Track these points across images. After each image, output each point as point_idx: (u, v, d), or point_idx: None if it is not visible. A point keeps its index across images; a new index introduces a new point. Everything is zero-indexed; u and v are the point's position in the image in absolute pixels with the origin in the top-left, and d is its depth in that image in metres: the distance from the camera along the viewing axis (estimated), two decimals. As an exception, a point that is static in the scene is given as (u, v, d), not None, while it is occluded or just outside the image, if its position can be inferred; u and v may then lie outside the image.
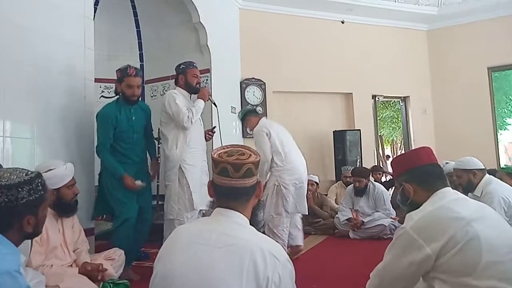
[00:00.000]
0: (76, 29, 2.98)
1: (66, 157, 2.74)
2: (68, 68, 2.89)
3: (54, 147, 2.74)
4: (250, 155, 1.28)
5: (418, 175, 1.50)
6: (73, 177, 2.31)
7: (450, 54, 7.03)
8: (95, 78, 3.24)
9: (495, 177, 3.08)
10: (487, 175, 2.85)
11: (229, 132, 5.33)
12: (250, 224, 1.26)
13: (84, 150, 3.00)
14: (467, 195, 2.81)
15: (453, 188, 1.51)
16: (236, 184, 1.23)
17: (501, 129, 10.98)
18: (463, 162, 2.92)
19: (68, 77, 2.88)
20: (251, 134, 5.71)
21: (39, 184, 1.29)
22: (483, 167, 2.88)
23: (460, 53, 6.93)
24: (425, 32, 7.26)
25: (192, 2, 4.53)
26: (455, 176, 3.01)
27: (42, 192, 1.30)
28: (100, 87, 4.99)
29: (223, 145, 1.38)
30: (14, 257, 1.17)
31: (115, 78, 4.95)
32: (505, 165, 7.00)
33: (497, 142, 6.81)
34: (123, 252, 2.62)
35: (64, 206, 2.25)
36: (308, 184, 4.94)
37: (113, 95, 4.99)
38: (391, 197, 4.69)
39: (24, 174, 1.27)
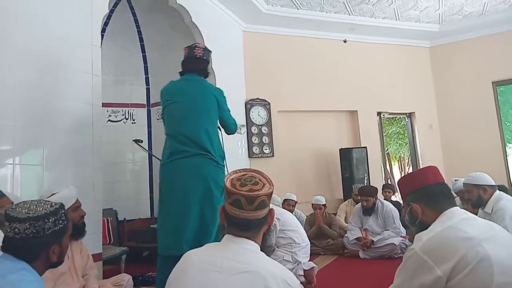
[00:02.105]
0: (84, 57, 3.06)
1: (75, 182, 2.77)
2: (75, 94, 2.95)
3: (62, 173, 2.77)
4: (264, 184, 1.26)
5: (426, 194, 1.49)
6: (77, 199, 2.29)
7: (454, 70, 7.06)
8: (102, 103, 3.30)
9: (506, 193, 3.03)
10: (497, 191, 2.80)
11: (235, 152, 5.35)
12: (261, 250, 1.25)
13: (93, 175, 3.02)
14: (477, 211, 2.79)
15: (463, 204, 1.50)
16: (249, 216, 1.22)
17: (509, 143, 10.86)
18: (473, 177, 2.87)
19: (76, 103, 2.94)
20: (257, 154, 5.75)
21: (63, 214, 1.37)
22: (494, 184, 2.84)
23: (464, 68, 6.96)
24: (428, 48, 7.32)
25: (197, 26, 4.63)
26: (465, 191, 2.97)
27: (65, 222, 1.37)
28: (107, 111, 5.07)
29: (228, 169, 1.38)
30: (39, 285, 1.24)
31: (122, 102, 5.03)
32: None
33: (506, 156, 6.73)
34: (130, 277, 2.60)
35: (72, 229, 2.24)
36: (315, 207, 4.92)
37: (120, 119, 5.17)
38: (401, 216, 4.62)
39: (49, 206, 1.34)
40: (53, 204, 1.35)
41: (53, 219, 1.31)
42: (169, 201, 2.47)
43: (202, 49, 2.69)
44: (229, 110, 2.72)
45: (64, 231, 1.36)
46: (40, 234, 1.26)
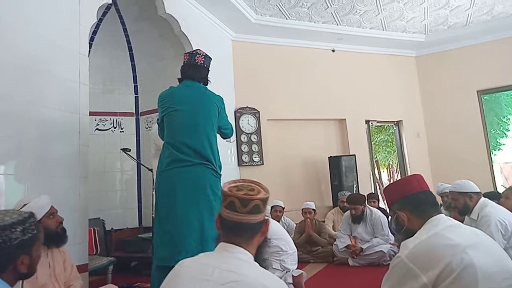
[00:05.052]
0: (71, 66, 3.04)
1: (60, 192, 2.73)
2: (63, 104, 2.92)
3: (48, 183, 2.72)
4: (260, 191, 1.28)
5: (411, 202, 1.51)
6: (51, 206, 2.23)
7: (440, 79, 7.20)
8: (90, 112, 3.27)
9: (501, 197, 3.10)
10: (482, 198, 2.84)
11: (225, 161, 5.32)
12: (255, 261, 1.24)
13: (79, 184, 2.98)
14: (463, 218, 2.83)
15: (445, 209, 1.52)
16: (242, 219, 1.22)
17: (495, 150, 11.08)
18: (459, 185, 2.91)
19: (63, 112, 2.91)
20: (246, 163, 5.75)
21: (32, 223, 1.31)
22: (479, 190, 2.88)
23: (450, 78, 7.10)
24: (414, 58, 7.46)
25: (186, 35, 4.64)
26: (451, 199, 3.01)
27: (35, 232, 1.31)
28: (95, 120, 5.03)
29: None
30: None
31: (110, 110, 4.99)
32: (502, 185, 7.02)
33: (492, 163, 6.86)
34: (117, 288, 2.56)
35: (51, 236, 2.18)
36: (305, 212, 4.93)
37: (108, 127, 5.13)
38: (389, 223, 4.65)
39: (17, 215, 1.29)
40: (22, 213, 1.31)
41: (21, 228, 1.26)
42: (167, 210, 2.42)
43: (203, 56, 2.66)
44: (227, 116, 2.73)
45: (33, 241, 1.30)
46: (6, 244, 1.21)
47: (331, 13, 5.81)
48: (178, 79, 2.69)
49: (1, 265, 1.22)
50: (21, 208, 2.06)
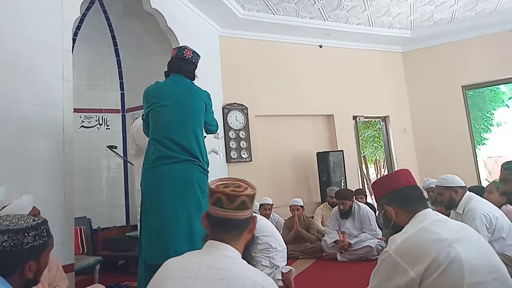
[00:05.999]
0: (54, 62, 2.97)
1: (44, 191, 2.68)
2: (46, 100, 2.85)
3: (32, 182, 2.66)
4: (247, 188, 1.28)
5: (398, 197, 1.52)
6: (33, 207, 2.18)
7: (426, 74, 7.28)
8: (74, 108, 3.21)
9: (485, 190, 3.14)
10: (467, 192, 2.88)
11: (213, 157, 5.30)
12: (243, 259, 1.24)
13: (64, 183, 2.93)
14: (449, 213, 2.87)
15: (431, 204, 1.53)
16: (230, 215, 1.22)
17: (479, 144, 11.29)
18: (444, 179, 2.95)
19: (46, 109, 2.85)
20: (235, 159, 5.73)
21: (44, 230, 1.32)
22: (464, 185, 2.92)
23: (435, 73, 7.18)
24: (400, 53, 7.52)
25: (172, 30, 4.58)
26: (437, 193, 3.04)
27: (46, 238, 1.32)
28: (80, 117, 4.95)
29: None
30: None
31: (95, 107, 4.90)
32: (485, 179, 7.14)
33: (476, 157, 6.98)
34: (104, 287, 2.52)
35: None
36: (293, 209, 4.94)
37: (93, 124, 5.05)
38: (377, 218, 4.69)
39: (31, 220, 1.30)
40: (36, 218, 1.31)
41: (33, 233, 1.27)
42: (154, 207, 2.38)
43: (191, 51, 2.63)
44: (213, 112, 2.70)
45: (43, 247, 1.31)
46: (17, 248, 1.22)
47: (318, 8, 5.81)
48: (165, 72, 2.65)
49: (10, 269, 1.22)
50: (0, 210, 2.01)
